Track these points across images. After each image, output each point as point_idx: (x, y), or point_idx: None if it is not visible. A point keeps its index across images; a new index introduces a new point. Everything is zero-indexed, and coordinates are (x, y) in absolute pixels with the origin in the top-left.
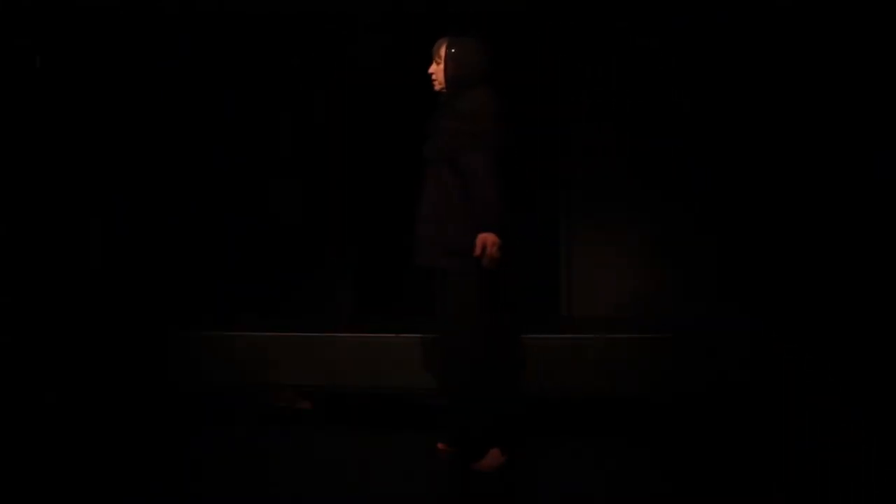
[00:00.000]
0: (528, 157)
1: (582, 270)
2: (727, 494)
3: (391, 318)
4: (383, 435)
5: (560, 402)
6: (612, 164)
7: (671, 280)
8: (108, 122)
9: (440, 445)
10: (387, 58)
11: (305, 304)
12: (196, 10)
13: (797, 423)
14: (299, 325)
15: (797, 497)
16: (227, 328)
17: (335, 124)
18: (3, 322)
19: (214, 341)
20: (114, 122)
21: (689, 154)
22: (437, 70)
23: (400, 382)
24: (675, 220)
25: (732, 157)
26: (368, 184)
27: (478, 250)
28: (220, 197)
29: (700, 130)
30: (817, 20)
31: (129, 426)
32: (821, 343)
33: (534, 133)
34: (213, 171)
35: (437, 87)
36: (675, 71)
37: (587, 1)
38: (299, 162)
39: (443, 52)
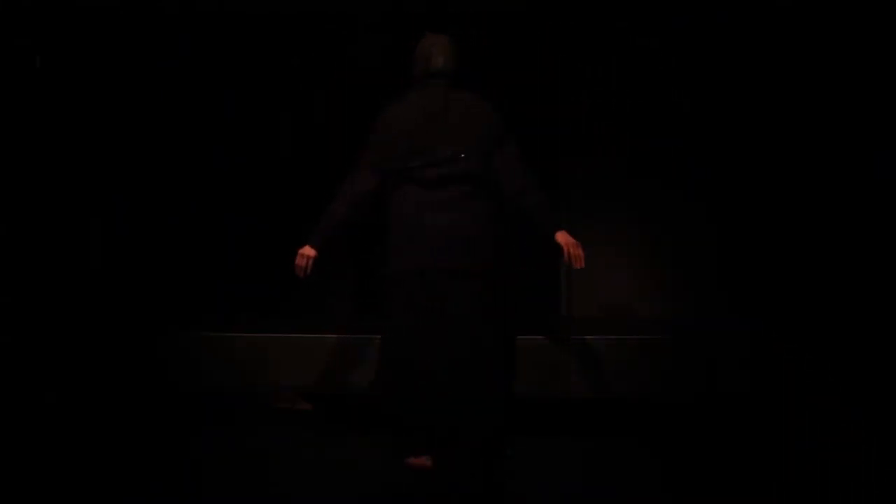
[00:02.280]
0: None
1: (582, 270)
2: (727, 495)
3: None
4: (383, 435)
5: (560, 402)
6: (612, 164)
7: (671, 280)
8: (108, 123)
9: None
10: (387, 58)
11: (305, 304)
12: (196, 10)
13: (797, 423)
14: (299, 326)
15: (797, 497)
16: (227, 328)
17: (335, 124)
18: (3, 322)
19: (214, 341)
20: (114, 123)
21: (689, 154)
22: None
23: None
24: (675, 220)
25: (732, 157)
26: None
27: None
28: (220, 197)
29: (700, 130)
30: (817, 20)
31: (129, 426)
32: (821, 343)
33: (534, 133)
34: (213, 171)
35: None
36: (675, 71)
37: (587, 1)
38: (299, 162)
39: None
